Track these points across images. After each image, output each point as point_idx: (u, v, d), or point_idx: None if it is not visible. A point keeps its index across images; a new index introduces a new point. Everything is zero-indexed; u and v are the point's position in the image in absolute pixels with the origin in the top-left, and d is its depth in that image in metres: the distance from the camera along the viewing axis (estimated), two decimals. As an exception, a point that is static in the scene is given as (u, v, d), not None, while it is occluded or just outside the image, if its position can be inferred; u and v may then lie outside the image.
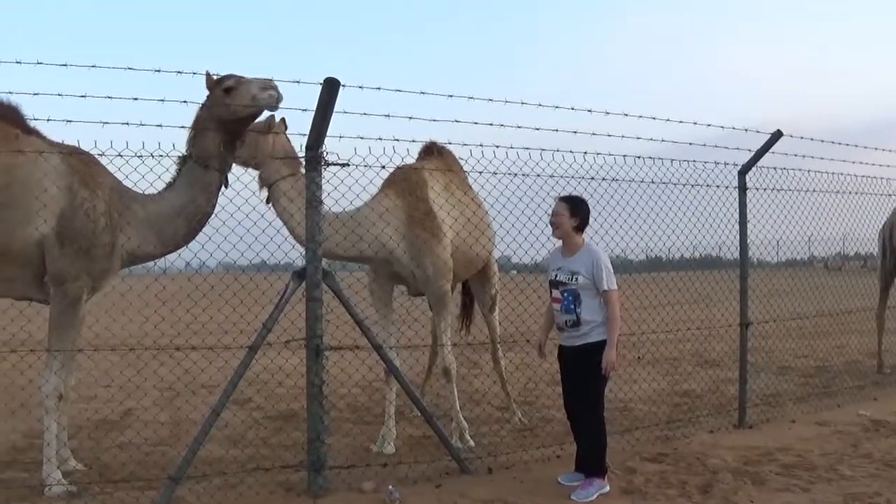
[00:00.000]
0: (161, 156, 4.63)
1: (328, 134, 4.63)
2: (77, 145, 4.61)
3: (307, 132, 4.64)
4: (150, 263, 5.28)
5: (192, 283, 5.04)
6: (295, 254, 5.40)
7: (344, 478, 4.93)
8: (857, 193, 7.85)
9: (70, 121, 4.16)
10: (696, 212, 6.51)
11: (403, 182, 5.94)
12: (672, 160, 6.18)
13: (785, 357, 10.18)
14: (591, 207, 5.03)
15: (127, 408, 7.29)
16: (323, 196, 4.78)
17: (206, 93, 4.90)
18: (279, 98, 4.73)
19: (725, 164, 6.53)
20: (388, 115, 4.58)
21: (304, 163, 4.93)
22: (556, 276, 4.89)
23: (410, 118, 4.73)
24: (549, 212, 5.00)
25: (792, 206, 7.21)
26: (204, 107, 4.90)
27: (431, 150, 6.44)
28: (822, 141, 6.96)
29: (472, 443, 6.05)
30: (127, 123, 4.05)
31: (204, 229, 4.99)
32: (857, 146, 7.80)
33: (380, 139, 4.77)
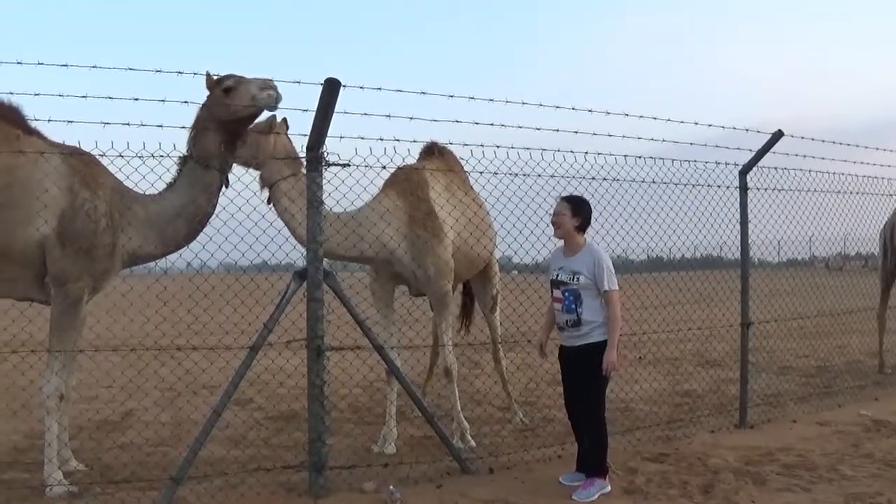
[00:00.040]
0: (162, 156, 4.63)
1: (329, 134, 4.62)
2: (78, 146, 4.61)
3: (308, 132, 4.65)
4: (151, 264, 5.28)
5: (194, 283, 5.04)
6: (296, 254, 5.40)
7: (345, 478, 4.93)
8: (857, 193, 7.85)
9: (71, 121, 4.16)
10: (697, 212, 6.51)
11: (405, 182, 5.94)
12: (673, 160, 6.19)
13: (786, 357, 10.18)
14: (592, 207, 5.03)
15: (128, 408, 7.29)
16: (324, 196, 4.78)
17: (207, 93, 4.90)
18: (278, 98, 4.73)
19: (726, 164, 6.54)
20: (388, 116, 4.58)
21: (305, 163, 4.93)
22: (557, 275, 4.89)
23: (411, 118, 4.74)
24: (551, 212, 5.00)
25: (793, 206, 7.21)
26: (204, 107, 4.91)
27: (432, 151, 6.45)
28: (823, 141, 6.97)
29: (473, 443, 6.05)
30: (128, 124, 4.05)
31: (205, 229, 4.99)
32: (857, 146, 7.80)
33: (381, 139, 4.78)
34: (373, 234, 5.65)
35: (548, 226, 5.07)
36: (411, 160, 5.66)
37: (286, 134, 5.61)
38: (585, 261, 4.80)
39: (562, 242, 4.98)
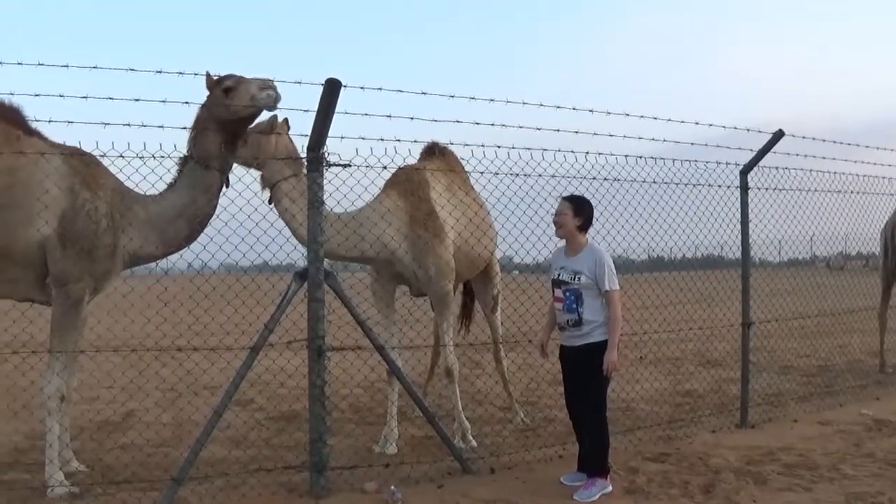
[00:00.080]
0: (163, 157, 4.62)
1: (330, 134, 4.62)
2: (79, 146, 4.61)
3: (309, 133, 4.65)
4: (152, 264, 5.28)
5: (194, 284, 5.04)
6: (297, 254, 5.41)
7: (346, 478, 4.93)
8: (858, 193, 7.85)
9: (72, 122, 4.16)
10: (698, 212, 6.51)
11: (406, 183, 5.94)
12: (674, 160, 6.19)
13: (787, 357, 10.18)
14: (593, 207, 5.03)
15: (129, 409, 7.29)
16: (325, 197, 4.78)
17: (207, 93, 4.90)
18: (278, 98, 4.73)
19: (727, 163, 6.53)
20: (389, 116, 4.58)
21: (305, 163, 4.93)
22: (558, 275, 4.89)
23: (412, 119, 4.74)
24: (552, 212, 5.00)
25: (794, 205, 7.21)
26: (204, 107, 4.91)
27: (433, 151, 6.45)
28: (824, 140, 6.97)
29: (474, 443, 6.04)
30: (128, 124, 4.05)
31: (206, 230, 4.99)
32: (858, 145, 7.80)
33: (381, 140, 4.78)
34: (374, 234, 5.65)
35: (549, 226, 5.07)
36: (412, 160, 5.66)
37: (287, 134, 5.61)
38: (587, 260, 4.80)
39: (563, 242, 4.98)
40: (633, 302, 10.04)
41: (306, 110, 4.55)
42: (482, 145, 5.06)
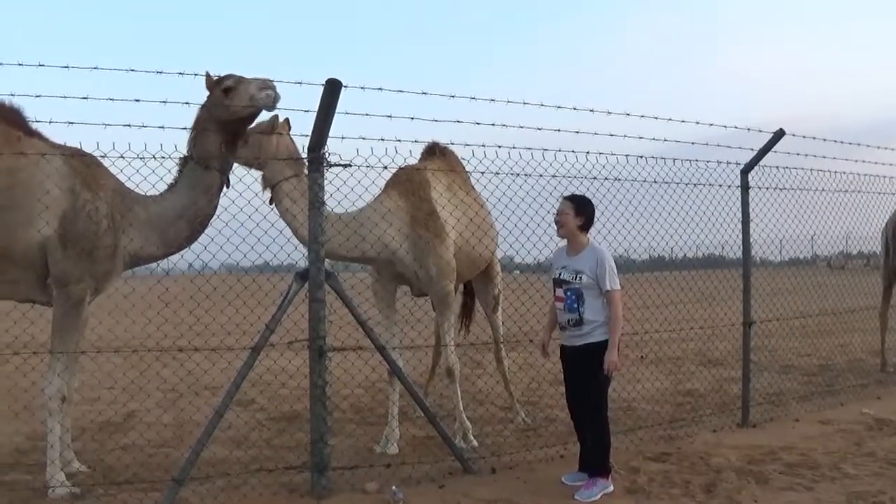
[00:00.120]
0: (163, 157, 4.63)
1: (330, 135, 4.62)
2: (79, 147, 4.61)
3: (309, 133, 4.65)
4: (153, 265, 5.28)
5: (195, 284, 5.04)
6: (297, 255, 5.41)
7: (347, 478, 4.93)
8: (859, 192, 7.85)
9: (72, 122, 4.15)
10: (699, 211, 6.51)
11: (406, 183, 5.94)
12: (674, 160, 6.19)
13: (788, 356, 10.17)
14: (595, 207, 5.02)
15: (130, 409, 7.29)
16: (326, 197, 4.78)
17: (207, 93, 4.90)
18: (277, 98, 4.73)
19: (728, 163, 6.53)
20: (390, 116, 4.58)
21: (306, 164, 4.93)
22: (559, 274, 4.89)
23: (412, 119, 4.73)
24: (553, 212, 5.00)
25: (794, 204, 7.21)
26: (204, 107, 4.91)
27: (434, 151, 6.45)
28: (825, 140, 6.97)
29: (475, 443, 6.04)
30: (129, 125, 4.05)
31: (206, 230, 4.99)
32: (859, 145, 7.80)
33: (382, 140, 4.78)
34: (374, 234, 5.65)
35: (549, 225, 5.07)
36: (413, 160, 5.66)
37: (288, 134, 5.61)
38: (588, 260, 4.80)
39: (564, 242, 4.98)
40: (634, 301, 10.05)
41: (307, 110, 4.55)
42: (483, 145, 5.07)
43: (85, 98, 4.26)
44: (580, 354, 4.82)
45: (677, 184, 6.28)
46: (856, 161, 7.67)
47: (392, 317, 6.18)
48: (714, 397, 7.79)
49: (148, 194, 4.94)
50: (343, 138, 4.69)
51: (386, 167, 5.07)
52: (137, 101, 4.07)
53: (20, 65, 4.22)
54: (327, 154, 4.72)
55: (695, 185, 6.39)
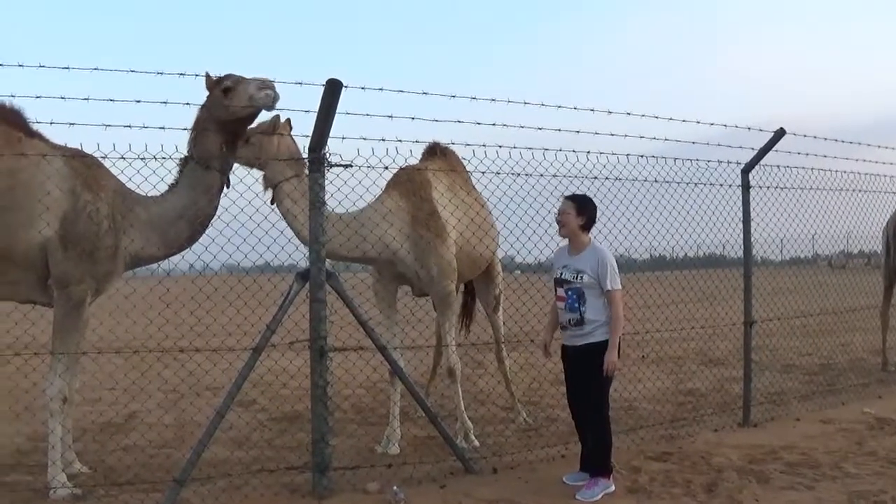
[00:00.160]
0: (164, 158, 4.63)
1: (331, 135, 4.62)
2: (80, 148, 4.61)
3: (310, 133, 4.65)
4: (154, 266, 5.28)
5: (196, 285, 5.04)
6: (298, 255, 5.41)
7: (349, 479, 4.93)
8: (860, 191, 7.85)
9: (73, 123, 4.14)
10: (700, 210, 6.51)
11: (407, 183, 5.95)
12: (675, 159, 6.19)
13: (789, 355, 10.17)
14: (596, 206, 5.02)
15: (131, 410, 7.29)
16: (326, 197, 4.78)
17: (207, 94, 4.90)
18: (276, 97, 4.72)
19: (729, 162, 6.53)
20: (390, 116, 4.58)
21: (307, 164, 4.93)
22: (561, 273, 4.89)
23: (413, 119, 4.74)
24: (554, 211, 5.00)
25: (795, 204, 7.21)
26: (204, 108, 4.91)
27: (435, 151, 6.45)
28: (825, 139, 6.97)
29: (476, 443, 6.04)
30: (129, 126, 4.05)
31: (207, 231, 4.99)
32: (860, 144, 7.79)
33: (383, 140, 4.77)
34: (375, 234, 5.65)
35: (550, 225, 5.07)
36: (414, 161, 5.66)
37: (290, 135, 5.61)
38: (589, 260, 4.80)
39: (566, 241, 4.98)
40: (635, 301, 10.05)
41: (307, 111, 4.55)
42: (484, 145, 5.06)
43: (86, 99, 4.26)
44: (581, 354, 4.82)
45: (678, 183, 6.28)
46: (856, 160, 7.67)
47: (393, 317, 6.18)
48: (715, 397, 7.79)
49: (149, 195, 4.94)
50: (344, 138, 4.70)
51: (387, 167, 5.07)
52: (138, 101, 4.07)
53: (21, 66, 4.22)
54: (328, 154, 4.72)
55: (696, 184, 6.39)
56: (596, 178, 5.64)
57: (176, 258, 5.15)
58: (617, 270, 4.83)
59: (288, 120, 5.54)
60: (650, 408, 7.30)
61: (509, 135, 5.32)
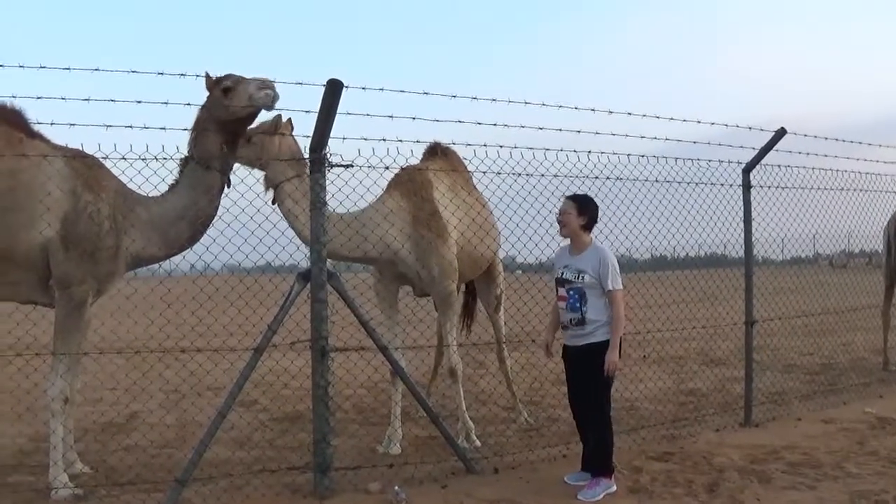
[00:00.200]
0: (165, 158, 4.64)
1: (332, 135, 4.62)
2: (81, 148, 4.61)
3: (311, 134, 4.65)
4: (155, 266, 5.29)
5: (197, 285, 5.04)
6: (299, 255, 5.41)
7: (350, 479, 4.93)
8: (861, 190, 7.84)
9: (74, 124, 4.14)
10: (701, 210, 6.50)
11: (408, 183, 5.95)
12: (676, 159, 6.18)
13: (790, 355, 10.17)
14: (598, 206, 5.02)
15: (133, 410, 7.30)
16: (327, 197, 4.78)
17: (207, 94, 4.90)
18: (276, 97, 4.72)
19: (730, 162, 6.53)
20: (391, 116, 4.58)
21: (308, 164, 4.93)
22: (562, 273, 4.88)
23: (414, 119, 4.74)
24: (555, 211, 5.00)
25: (796, 203, 7.20)
26: (204, 108, 4.91)
27: (436, 151, 6.45)
28: (826, 138, 6.96)
29: (478, 443, 6.04)
30: (130, 126, 4.06)
31: (208, 231, 4.99)
32: (861, 143, 7.79)
33: (384, 140, 4.77)
34: (376, 234, 5.65)
35: (552, 225, 5.07)
36: (415, 161, 5.66)
37: (291, 135, 5.61)
38: (591, 259, 4.79)
39: (567, 241, 4.98)
40: (636, 301, 10.05)
41: (308, 111, 4.55)
42: (485, 145, 5.06)
43: (86, 100, 4.26)
44: (582, 354, 4.81)
45: (679, 183, 6.28)
46: (857, 159, 7.67)
47: (394, 317, 6.18)
48: (716, 396, 7.78)
49: (150, 195, 4.94)
50: (344, 139, 4.70)
51: (388, 167, 5.07)
52: (139, 102, 4.07)
53: (21, 66, 4.22)
54: (329, 155, 4.72)
55: (696, 184, 6.38)
56: (597, 177, 5.64)
57: (177, 258, 5.15)
58: (618, 270, 4.83)
59: (289, 120, 5.54)
60: (651, 408, 7.30)
61: (510, 135, 5.32)
